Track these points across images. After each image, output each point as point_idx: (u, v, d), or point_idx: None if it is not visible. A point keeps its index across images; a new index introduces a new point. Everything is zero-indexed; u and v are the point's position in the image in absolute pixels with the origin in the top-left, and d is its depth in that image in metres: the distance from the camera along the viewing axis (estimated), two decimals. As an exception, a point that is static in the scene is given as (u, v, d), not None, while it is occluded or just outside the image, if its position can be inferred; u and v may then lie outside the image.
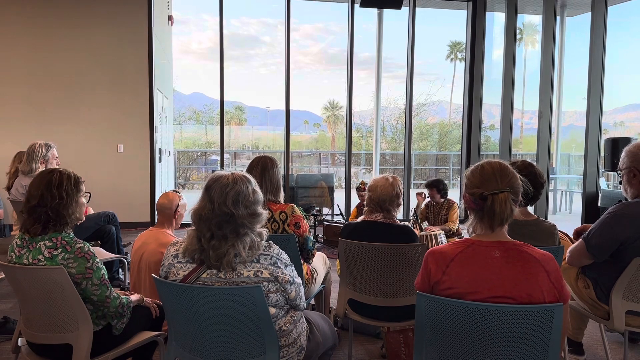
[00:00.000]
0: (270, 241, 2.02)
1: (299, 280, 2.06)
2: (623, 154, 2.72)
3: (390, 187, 2.83)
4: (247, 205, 1.91)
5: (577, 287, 2.87)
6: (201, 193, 1.95)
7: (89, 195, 2.44)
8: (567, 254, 2.74)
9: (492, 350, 1.64)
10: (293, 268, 2.04)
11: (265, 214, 1.99)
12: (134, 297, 2.50)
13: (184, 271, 1.93)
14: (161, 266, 2.03)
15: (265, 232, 1.98)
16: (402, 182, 2.92)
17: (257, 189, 1.99)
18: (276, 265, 1.94)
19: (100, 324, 2.29)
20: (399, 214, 2.90)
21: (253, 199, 1.94)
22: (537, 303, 1.64)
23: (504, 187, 1.75)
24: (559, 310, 1.59)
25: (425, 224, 5.29)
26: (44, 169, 4.22)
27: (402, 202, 2.93)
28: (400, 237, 2.78)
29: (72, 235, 2.28)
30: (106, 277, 2.27)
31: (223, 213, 1.86)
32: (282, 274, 1.94)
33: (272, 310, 1.94)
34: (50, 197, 2.21)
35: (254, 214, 1.93)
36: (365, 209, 2.99)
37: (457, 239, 5.30)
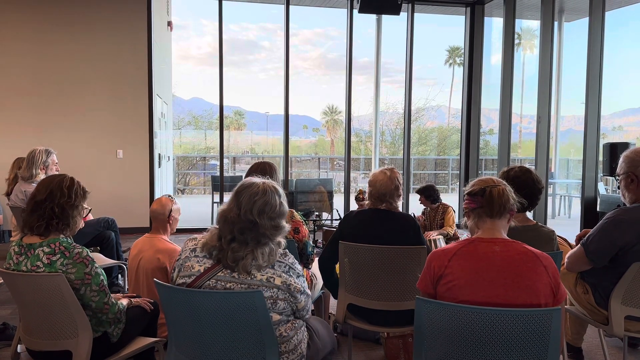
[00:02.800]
0: (287, 250, 2.05)
1: (309, 292, 2.08)
2: (621, 160, 2.74)
3: (389, 181, 2.86)
4: (272, 217, 1.95)
5: (576, 292, 2.87)
6: (231, 195, 1.99)
7: (89, 210, 2.47)
8: (566, 260, 2.75)
9: (491, 355, 1.64)
10: (305, 280, 2.06)
11: (287, 227, 2.02)
12: (124, 301, 2.48)
13: (200, 265, 1.96)
14: (177, 259, 2.06)
15: (283, 241, 2.02)
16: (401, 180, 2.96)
17: (284, 201, 2.03)
18: (289, 273, 1.96)
19: (99, 331, 2.29)
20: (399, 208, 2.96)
21: (279, 211, 1.98)
22: (536, 296, 1.69)
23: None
24: (557, 315, 1.60)
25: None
26: (44, 175, 4.23)
27: (402, 193, 2.97)
28: (403, 224, 2.81)
29: (70, 240, 2.29)
30: (105, 283, 2.27)
31: (247, 220, 1.91)
32: (294, 283, 1.97)
33: (277, 317, 1.95)
34: (59, 194, 2.25)
35: (277, 226, 1.97)
36: (367, 202, 3.00)
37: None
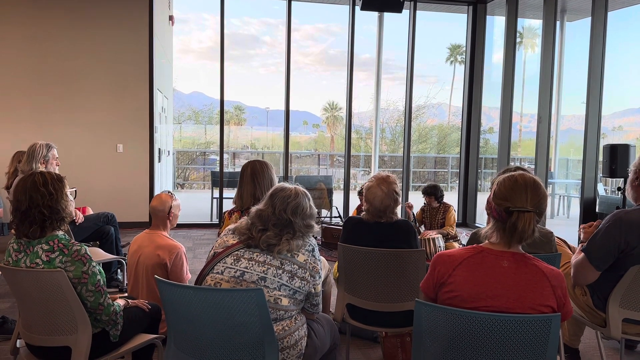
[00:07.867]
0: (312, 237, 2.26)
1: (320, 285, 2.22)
2: None
3: (386, 198, 2.84)
4: (304, 217, 2.17)
5: (574, 294, 2.88)
6: (266, 198, 2.21)
7: (74, 191, 2.43)
8: (572, 272, 2.71)
9: (489, 358, 1.65)
10: (322, 266, 2.23)
11: (317, 227, 2.26)
12: (121, 302, 2.47)
13: (233, 240, 2.16)
14: (219, 237, 2.27)
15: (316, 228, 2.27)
16: (399, 184, 2.95)
17: (313, 204, 2.26)
18: (313, 254, 2.16)
19: (98, 327, 2.29)
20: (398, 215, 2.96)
21: (309, 212, 2.21)
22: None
23: (532, 207, 1.70)
24: (557, 321, 1.60)
25: (421, 229, 5.27)
26: (44, 169, 4.23)
27: (400, 202, 2.95)
28: (404, 233, 2.85)
29: (67, 237, 2.29)
30: (102, 283, 2.25)
31: (282, 218, 2.12)
32: (314, 264, 2.14)
33: (285, 301, 2.04)
34: (40, 197, 2.20)
35: (308, 225, 2.19)
36: (363, 213, 3.00)
37: (454, 243, 5.25)
